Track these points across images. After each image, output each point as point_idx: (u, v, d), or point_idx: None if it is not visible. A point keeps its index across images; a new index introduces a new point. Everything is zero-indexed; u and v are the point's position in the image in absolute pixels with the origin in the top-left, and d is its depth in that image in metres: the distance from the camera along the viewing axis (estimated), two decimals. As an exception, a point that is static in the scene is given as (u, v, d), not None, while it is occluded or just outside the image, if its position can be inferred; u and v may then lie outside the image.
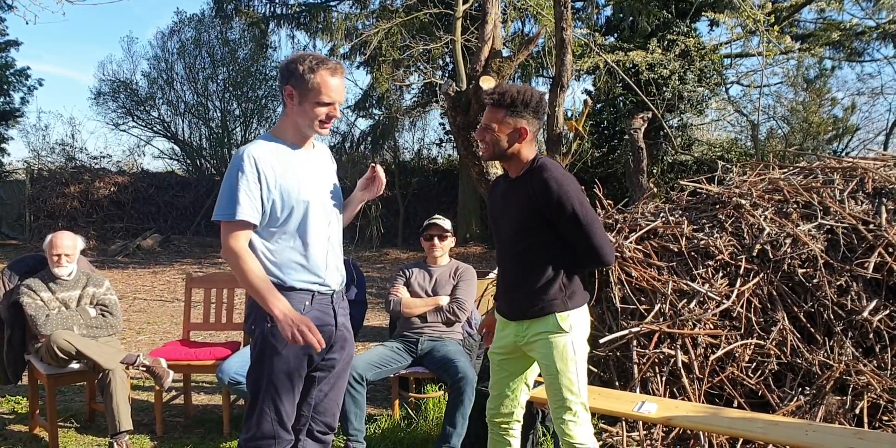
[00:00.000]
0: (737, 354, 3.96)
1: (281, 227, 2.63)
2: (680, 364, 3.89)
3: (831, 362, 3.87)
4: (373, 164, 2.94)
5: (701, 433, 3.68)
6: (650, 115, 10.19)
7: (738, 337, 4.00)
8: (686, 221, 4.54)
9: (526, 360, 2.97)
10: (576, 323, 2.81)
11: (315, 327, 2.55)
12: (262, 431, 2.67)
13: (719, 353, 3.92)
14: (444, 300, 4.36)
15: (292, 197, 2.61)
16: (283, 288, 2.63)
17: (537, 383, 3.18)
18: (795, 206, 4.50)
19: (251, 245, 2.61)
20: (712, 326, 4.03)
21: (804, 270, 4.14)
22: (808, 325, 4.05)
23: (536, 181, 2.72)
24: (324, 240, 2.72)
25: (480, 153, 2.86)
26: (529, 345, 2.85)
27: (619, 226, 4.58)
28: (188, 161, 21.41)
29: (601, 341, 3.98)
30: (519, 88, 2.78)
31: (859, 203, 4.47)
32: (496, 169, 5.36)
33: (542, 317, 2.79)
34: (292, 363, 2.63)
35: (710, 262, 4.26)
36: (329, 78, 2.58)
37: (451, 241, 4.51)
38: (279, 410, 2.67)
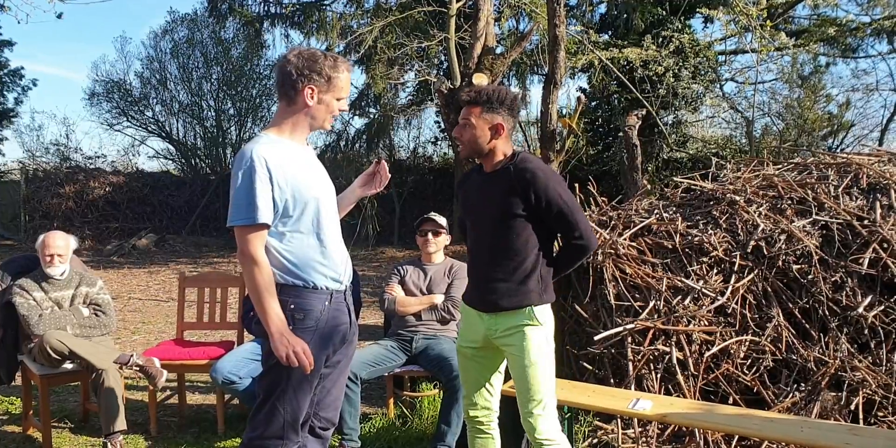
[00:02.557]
0: (732, 351, 3.95)
1: (294, 226, 2.61)
2: (675, 361, 3.89)
3: (826, 358, 3.87)
4: (377, 159, 2.94)
5: (696, 430, 3.68)
6: (644, 112, 10.21)
7: (733, 333, 3.99)
8: (680, 218, 4.53)
9: (498, 353, 2.98)
10: (547, 317, 2.88)
11: (309, 349, 2.54)
12: (271, 431, 2.65)
13: (714, 349, 3.92)
14: (438, 298, 4.35)
15: (304, 194, 2.60)
16: (307, 289, 2.62)
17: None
18: (790, 202, 4.49)
19: (266, 249, 2.59)
20: (707, 323, 4.02)
21: (799, 266, 4.13)
22: (803, 322, 4.05)
23: (519, 173, 2.79)
24: (335, 235, 2.73)
25: (459, 151, 2.90)
26: (503, 338, 2.87)
27: (613, 223, 4.57)
28: (183, 161, 21.34)
29: (596, 338, 3.98)
30: (494, 87, 2.89)
31: (854, 199, 4.46)
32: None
33: (517, 309, 2.83)
34: (315, 366, 2.61)
35: (705, 259, 4.25)
36: (347, 75, 2.68)
37: (445, 238, 4.49)
38: (295, 413, 2.65)
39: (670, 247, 4.34)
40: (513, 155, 2.88)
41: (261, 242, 2.56)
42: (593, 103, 14.53)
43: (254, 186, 2.52)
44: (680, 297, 4.09)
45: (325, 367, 2.77)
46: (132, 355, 4.15)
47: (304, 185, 2.61)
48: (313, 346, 2.59)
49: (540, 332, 2.84)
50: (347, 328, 2.76)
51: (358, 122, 17.86)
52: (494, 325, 2.88)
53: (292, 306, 2.59)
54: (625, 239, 4.36)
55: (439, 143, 18.89)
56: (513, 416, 3.21)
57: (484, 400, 3.05)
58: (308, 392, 2.67)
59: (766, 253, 4.19)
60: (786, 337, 3.97)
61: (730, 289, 4.07)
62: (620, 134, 11.59)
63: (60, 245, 4.30)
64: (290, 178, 2.58)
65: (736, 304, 4.06)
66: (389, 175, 2.98)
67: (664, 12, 12.76)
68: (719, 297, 4.05)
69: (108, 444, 3.97)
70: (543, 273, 2.88)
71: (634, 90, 9.93)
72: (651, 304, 4.06)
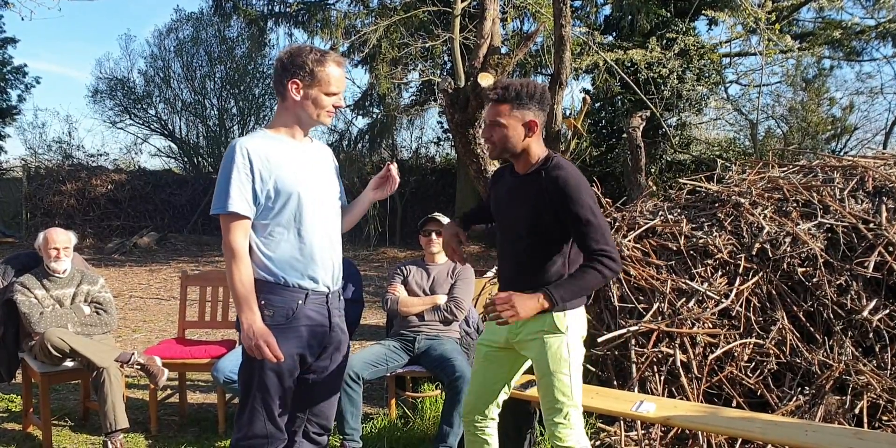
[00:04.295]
0: (736, 354, 3.93)
1: (274, 220, 2.60)
2: (678, 363, 3.87)
3: (831, 362, 3.85)
4: (388, 162, 2.90)
5: (699, 433, 3.66)
6: (649, 113, 10.16)
7: (737, 336, 3.97)
8: (685, 220, 4.51)
9: (514, 358, 2.91)
10: (572, 324, 2.75)
11: (275, 343, 2.52)
12: (254, 431, 2.64)
13: (718, 352, 3.90)
14: (441, 299, 4.33)
15: (286, 187, 2.59)
16: (278, 285, 2.60)
17: (531, 383, 3.15)
18: (795, 204, 4.47)
19: (249, 242, 2.59)
20: (711, 325, 4.00)
21: (804, 269, 4.12)
22: (808, 325, 4.03)
23: (551, 180, 2.65)
24: (321, 235, 2.68)
25: (487, 152, 2.77)
26: (523, 343, 2.80)
27: (617, 224, 4.55)
28: (185, 159, 21.38)
29: (599, 340, 3.96)
30: (521, 81, 2.73)
31: (859, 202, 4.44)
32: (495, 167, 5.32)
33: (538, 315, 2.72)
34: (286, 363, 2.60)
35: (709, 261, 4.23)
36: (336, 69, 2.62)
37: (448, 239, 4.47)
38: (270, 409, 2.64)
39: (675, 249, 4.33)
40: (547, 158, 2.75)
41: (240, 232, 2.56)
42: (597, 104, 14.52)
43: (230, 176, 2.53)
44: (684, 299, 4.07)
45: (313, 372, 2.76)
46: (133, 354, 4.14)
47: (287, 178, 2.59)
48: (284, 343, 2.57)
49: (560, 340, 2.73)
50: (326, 331, 2.71)
51: (361, 122, 17.88)
52: (516, 328, 2.80)
53: (263, 302, 2.58)
54: (629, 240, 4.34)
55: (442, 143, 18.91)
56: (516, 419, 3.20)
57: (482, 403, 2.97)
58: (281, 388, 2.64)
59: (770, 255, 4.17)
60: (790, 340, 3.95)
61: (734, 291, 4.05)
62: (624, 135, 11.57)
63: (63, 239, 4.29)
64: (274, 171, 2.57)
65: (740, 306, 4.04)
66: (398, 179, 2.93)
67: (669, 14, 12.74)
68: (723, 300, 4.03)
69: (109, 442, 3.95)
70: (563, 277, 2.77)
71: (639, 91, 9.92)
72: (655, 306, 4.04)
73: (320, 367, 2.77)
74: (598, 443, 3.83)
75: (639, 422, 3.80)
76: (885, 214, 4.26)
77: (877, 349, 3.93)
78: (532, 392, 3.33)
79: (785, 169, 5.05)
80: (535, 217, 2.70)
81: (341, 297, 2.83)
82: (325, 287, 2.69)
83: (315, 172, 2.71)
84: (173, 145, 21.61)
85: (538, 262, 2.75)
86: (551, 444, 2.79)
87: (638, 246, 4.35)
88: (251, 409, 2.64)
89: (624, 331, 3.95)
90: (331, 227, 2.74)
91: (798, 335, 4.00)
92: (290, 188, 2.59)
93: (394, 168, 2.89)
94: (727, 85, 15.07)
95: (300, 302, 2.63)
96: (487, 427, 3.00)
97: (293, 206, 2.61)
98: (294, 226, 2.62)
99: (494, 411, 3.00)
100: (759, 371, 3.93)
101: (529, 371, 2.95)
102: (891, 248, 4.11)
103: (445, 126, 17.25)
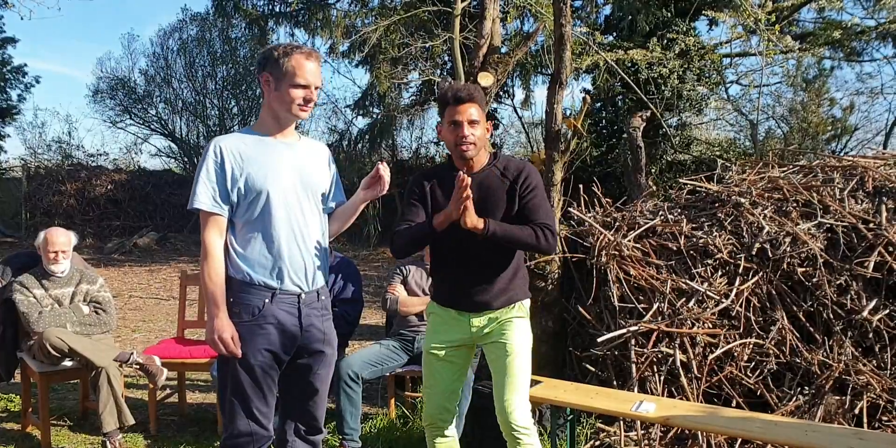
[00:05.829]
0: (735, 354, 3.93)
1: (245, 217, 2.62)
2: (678, 363, 3.86)
3: (830, 362, 3.84)
4: (379, 163, 2.89)
5: (699, 433, 3.66)
6: (649, 113, 10.16)
7: (737, 336, 3.97)
8: (685, 220, 4.51)
9: (468, 353, 3.01)
10: (528, 309, 2.95)
11: (229, 339, 2.54)
12: (237, 429, 2.65)
13: (718, 352, 3.89)
14: (440, 298, 4.32)
15: (255, 185, 2.60)
16: (245, 283, 2.60)
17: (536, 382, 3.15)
18: (795, 204, 4.47)
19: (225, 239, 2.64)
20: (711, 325, 4.00)
21: (804, 269, 4.11)
22: (808, 325, 4.03)
23: (515, 169, 2.85)
24: (292, 234, 2.65)
25: (468, 151, 2.81)
26: (494, 333, 2.86)
27: (617, 224, 4.55)
28: (185, 159, 21.35)
29: (599, 340, 3.96)
30: (469, 84, 2.95)
31: (859, 202, 4.44)
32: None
33: (512, 304, 2.88)
34: (256, 359, 2.60)
35: (709, 261, 4.23)
36: (304, 61, 2.60)
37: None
38: (248, 407, 2.64)
39: (675, 249, 4.32)
40: (494, 153, 2.94)
41: (212, 229, 2.61)
42: (598, 104, 14.50)
43: (199, 173, 2.59)
44: (684, 299, 4.07)
45: (296, 373, 2.74)
46: (132, 353, 4.13)
47: (257, 175, 2.60)
48: (250, 341, 2.58)
49: (527, 323, 2.91)
50: (297, 332, 2.67)
51: (361, 122, 17.86)
52: (480, 322, 2.88)
53: (232, 299, 2.60)
54: (629, 240, 4.33)
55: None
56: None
57: (450, 403, 3.02)
58: (256, 386, 2.63)
59: (770, 255, 4.16)
60: (790, 340, 3.95)
61: (734, 291, 4.05)
62: (625, 135, 11.57)
63: (63, 242, 4.28)
64: (246, 168, 2.59)
65: (740, 306, 4.03)
66: (389, 179, 2.89)
67: (669, 14, 12.72)
68: (723, 300, 4.02)
69: (107, 442, 3.95)
70: (523, 268, 2.96)
71: (639, 92, 9.90)
72: (655, 306, 4.04)
73: (301, 367, 2.75)
74: (597, 443, 3.83)
75: (638, 422, 3.80)
76: (884, 214, 4.26)
77: (877, 349, 3.93)
78: (539, 391, 3.34)
79: (785, 169, 5.04)
80: (505, 210, 2.83)
81: (323, 299, 2.78)
82: (296, 287, 2.66)
83: (294, 170, 2.69)
84: (173, 145, 21.58)
85: (503, 254, 2.86)
86: (504, 425, 2.78)
87: (638, 246, 4.35)
88: (230, 408, 2.65)
89: (624, 331, 3.95)
90: (307, 226, 2.70)
91: (798, 335, 3.99)
92: (259, 185, 2.60)
93: (384, 168, 2.87)
94: (727, 85, 15.04)
95: (266, 301, 2.61)
96: (451, 424, 3.07)
97: (260, 204, 2.61)
98: (262, 224, 2.62)
99: (456, 406, 3.08)
100: (758, 371, 3.93)
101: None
102: (891, 248, 4.11)
103: (445, 126, 17.15)
